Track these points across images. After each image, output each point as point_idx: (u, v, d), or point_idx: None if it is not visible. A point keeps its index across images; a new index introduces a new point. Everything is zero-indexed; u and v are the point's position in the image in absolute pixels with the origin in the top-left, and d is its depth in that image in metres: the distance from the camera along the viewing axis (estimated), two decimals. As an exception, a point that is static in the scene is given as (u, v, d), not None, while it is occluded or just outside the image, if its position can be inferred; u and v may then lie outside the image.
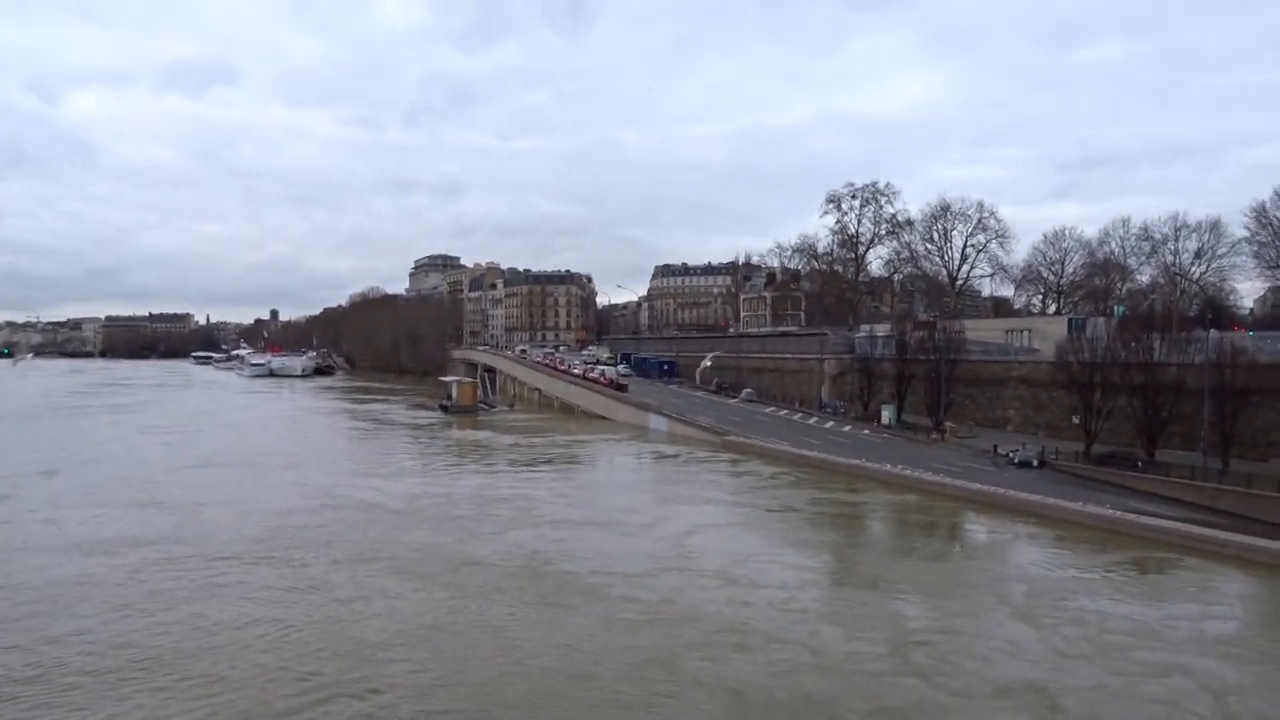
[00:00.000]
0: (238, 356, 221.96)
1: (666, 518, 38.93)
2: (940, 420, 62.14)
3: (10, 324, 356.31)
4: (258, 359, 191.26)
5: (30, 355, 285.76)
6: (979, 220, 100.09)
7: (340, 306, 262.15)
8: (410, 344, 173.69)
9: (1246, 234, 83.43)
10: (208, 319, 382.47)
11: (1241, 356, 47.72)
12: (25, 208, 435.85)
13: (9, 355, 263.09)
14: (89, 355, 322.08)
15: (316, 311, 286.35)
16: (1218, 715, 18.91)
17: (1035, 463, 50.86)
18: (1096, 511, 37.11)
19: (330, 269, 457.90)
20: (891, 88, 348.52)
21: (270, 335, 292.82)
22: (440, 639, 22.28)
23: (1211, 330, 66.64)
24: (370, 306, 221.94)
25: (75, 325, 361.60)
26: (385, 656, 20.84)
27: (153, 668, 20.01)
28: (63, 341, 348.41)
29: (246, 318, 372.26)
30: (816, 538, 36.20)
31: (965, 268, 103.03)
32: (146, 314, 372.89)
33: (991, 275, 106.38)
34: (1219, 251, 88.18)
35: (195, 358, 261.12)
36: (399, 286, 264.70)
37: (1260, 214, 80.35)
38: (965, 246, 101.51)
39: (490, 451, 62.28)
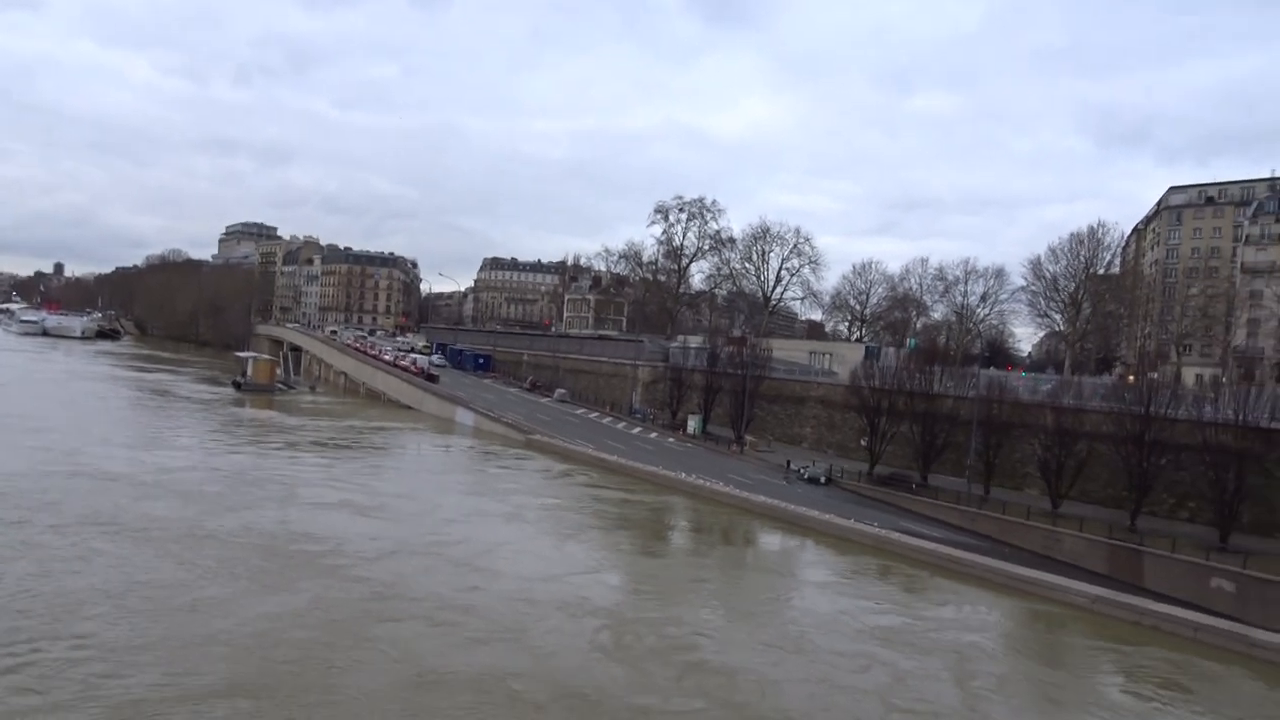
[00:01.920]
0: (7, 310, 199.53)
1: (438, 506, 38.29)
2: (741, 433, 63.95)
3: None
4: (30, 315, 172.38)
5: None
6: (795, 245, 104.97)
7: (136, 267, 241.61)
8: (211, 314, 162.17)
9: (1024, 283, 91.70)
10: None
11: (1008, 393, 51.81)
12: None
13: None
14: None
15: (109, 270, 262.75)
16: (888, 697, 20.76)
17: (823, 479, 53.22)
18: (865, 529, 38.96)
19: (132, 226, 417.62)
20: (738, 108, 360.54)
21: (49, 291, 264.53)
22: (144, 602, 21.67)
23: (990, 368, 72.73)
24: (171, 270, 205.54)
25: None
26: (87, 613, 20.47)
27: None
28: None
29: (27, 270, 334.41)
30: (580, 535, 36.02)
31: (779, 289, 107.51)
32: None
33: (803, 299, 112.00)
34: (1001, 297, 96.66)
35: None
36: (207, 253, 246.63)
37: (1035, 266, 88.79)
38: (780, 269, 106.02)
39: (273, 431, 58.40)
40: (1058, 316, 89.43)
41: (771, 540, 39.95)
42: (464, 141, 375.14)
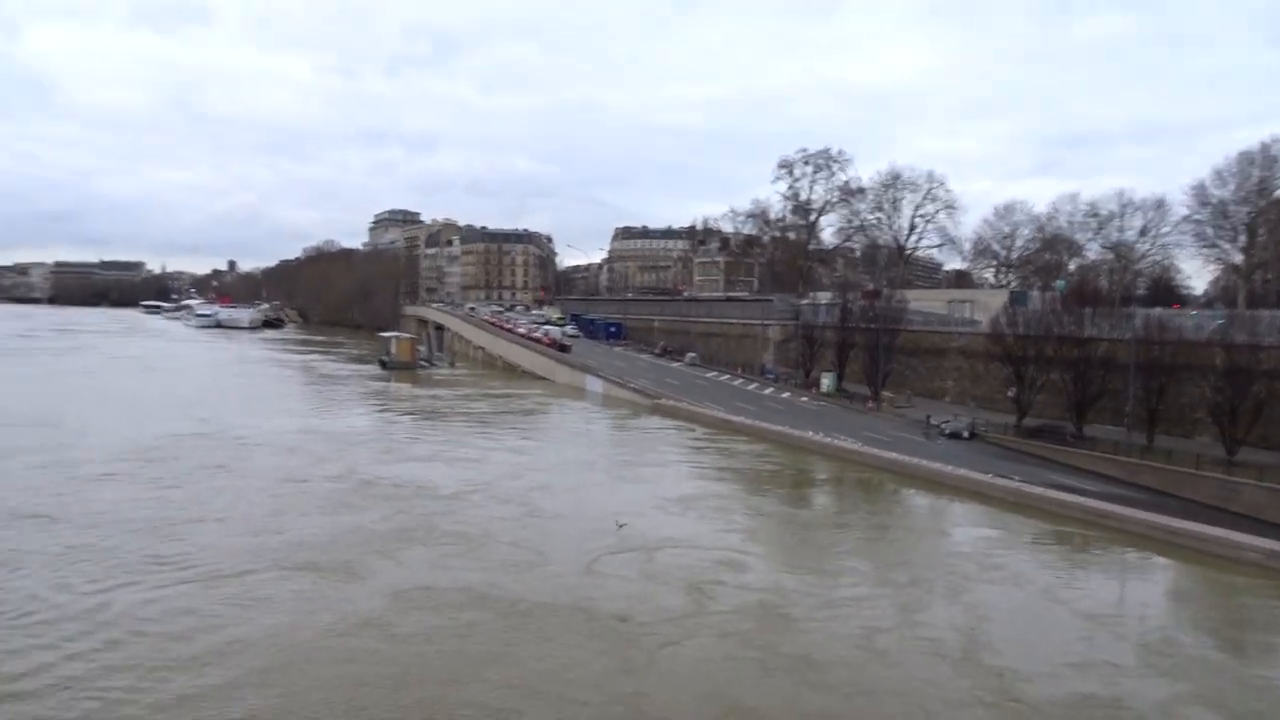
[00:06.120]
0: (186, 306, 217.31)
1: (534, 462, 40.39)
2: (877, 389, 61.50)
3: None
4: (205, 309, 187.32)
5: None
6: (928, 190, 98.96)
7: (296, 259, 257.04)
8: (363, 299, 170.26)
9: (1187, 213, 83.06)
10: (163, 268, 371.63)
11: (1170, 333, 47.19)
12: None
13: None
14: (36, 301, 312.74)
15: (274, 264, 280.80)
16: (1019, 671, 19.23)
17: (966, 434, 50.40)
18: (1002, 484, 36.55)
19: (295, 221, 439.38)
20: (883, 56, 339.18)
21: (222, 286, 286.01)
22: (240, 522, 27.74)
23: (1156, 308, 66.64)
24: (325, 260, 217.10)
25: (22, 270, 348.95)
26: (190, 530, 26.60)
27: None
28: (9, 286, 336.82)
29: (205, 268, 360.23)
30: (663, 486, 36.04)
31: (913, 238, 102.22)
32: (98, 261, 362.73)
33: (940, 246, 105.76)
34: (1163, 230, 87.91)
35: (145, 307, 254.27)
36: (359, 241, 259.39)
37: (1200, 193, 79.67)
38: (914, 216, 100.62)
39: (402, 402, 61.65)
40: (1229, 247, 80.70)
41: (902, 497, 38.09)
42: (602, 114, 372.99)
